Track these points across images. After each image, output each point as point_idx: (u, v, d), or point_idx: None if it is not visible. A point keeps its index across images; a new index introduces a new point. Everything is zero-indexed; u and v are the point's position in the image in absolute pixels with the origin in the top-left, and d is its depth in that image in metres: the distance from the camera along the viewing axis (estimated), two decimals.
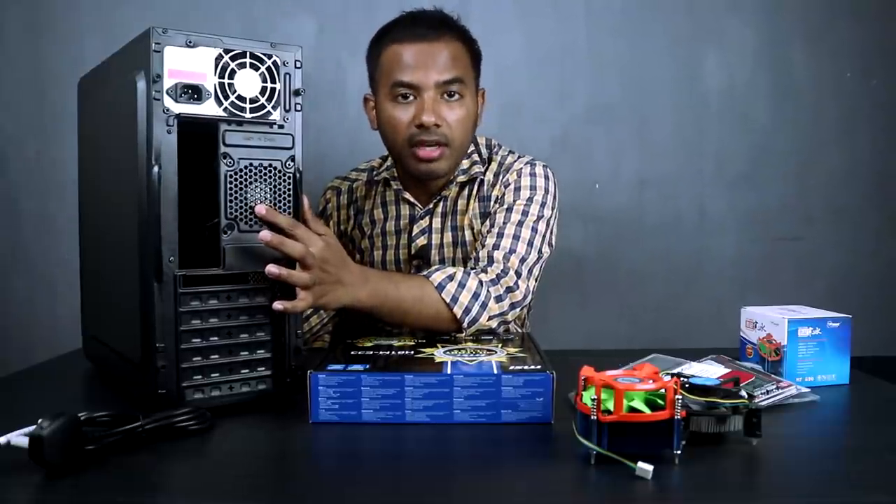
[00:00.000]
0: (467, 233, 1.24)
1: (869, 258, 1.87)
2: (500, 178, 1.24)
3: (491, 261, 1.13)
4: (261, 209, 0.83)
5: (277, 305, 0.83)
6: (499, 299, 1.09)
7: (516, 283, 1.12)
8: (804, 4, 1.82)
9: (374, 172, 1.30)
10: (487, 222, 1.21)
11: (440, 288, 1.05)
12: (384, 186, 1.28)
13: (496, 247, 1.14)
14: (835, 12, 1.82)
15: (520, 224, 1.17)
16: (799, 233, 1.86)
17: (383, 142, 1.21)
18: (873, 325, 1.78)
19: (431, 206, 1.24)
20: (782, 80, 1.83)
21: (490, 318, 1.08)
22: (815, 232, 1.86)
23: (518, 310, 1.13)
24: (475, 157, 1.25)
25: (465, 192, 1.25)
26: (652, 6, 1.79)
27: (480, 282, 1.08)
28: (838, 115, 1.84)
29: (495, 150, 1.29)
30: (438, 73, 1.12)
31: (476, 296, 1.06)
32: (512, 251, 1.14)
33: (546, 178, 1.23)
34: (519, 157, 1.27)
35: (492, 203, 1.23)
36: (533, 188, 1.21)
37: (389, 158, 1.26)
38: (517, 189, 1.21)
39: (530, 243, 1.16)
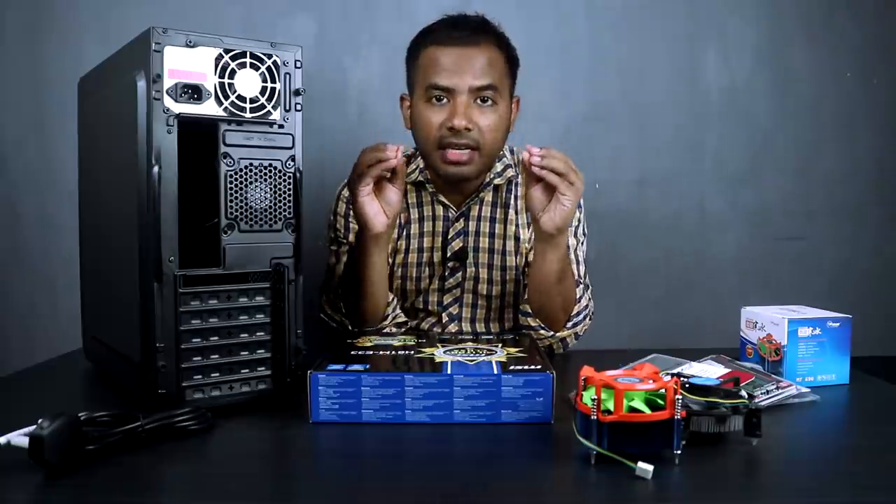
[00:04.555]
0: (509, 242, 1.25)
1: (870, 257, 1.86)
2: None
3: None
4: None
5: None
6: (579, 324, 1.18)
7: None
8: (804, 3, 1.81)
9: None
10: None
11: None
12: (417, 188, 1.26)
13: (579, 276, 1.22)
14: (835, 11, 1.82)
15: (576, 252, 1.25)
16: (799, 232, 1.85)
17: (415, 142, 1.21)
18: (873, 325, 1.78)
19: (465, 209, 1.24)
20: (782, 79, 1.82)
21: (571, 336, 1.17)
22: (815, 231, 1.86)
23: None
24: (507, 160, 1.26)
25: (502, 194, 1.26)
26: (652, 5, 1.79)
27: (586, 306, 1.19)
28: (838, 114, 1.84)
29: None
30: (473, 78, 1.12)
31: (583, 312, 1.17)
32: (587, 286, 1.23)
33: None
34: None
35: None
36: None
37: (419, 160, 1.25)
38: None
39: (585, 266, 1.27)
